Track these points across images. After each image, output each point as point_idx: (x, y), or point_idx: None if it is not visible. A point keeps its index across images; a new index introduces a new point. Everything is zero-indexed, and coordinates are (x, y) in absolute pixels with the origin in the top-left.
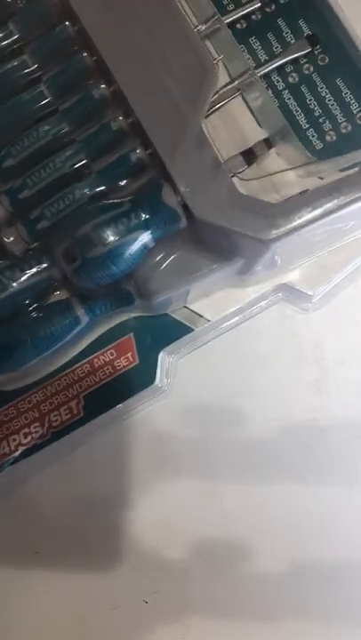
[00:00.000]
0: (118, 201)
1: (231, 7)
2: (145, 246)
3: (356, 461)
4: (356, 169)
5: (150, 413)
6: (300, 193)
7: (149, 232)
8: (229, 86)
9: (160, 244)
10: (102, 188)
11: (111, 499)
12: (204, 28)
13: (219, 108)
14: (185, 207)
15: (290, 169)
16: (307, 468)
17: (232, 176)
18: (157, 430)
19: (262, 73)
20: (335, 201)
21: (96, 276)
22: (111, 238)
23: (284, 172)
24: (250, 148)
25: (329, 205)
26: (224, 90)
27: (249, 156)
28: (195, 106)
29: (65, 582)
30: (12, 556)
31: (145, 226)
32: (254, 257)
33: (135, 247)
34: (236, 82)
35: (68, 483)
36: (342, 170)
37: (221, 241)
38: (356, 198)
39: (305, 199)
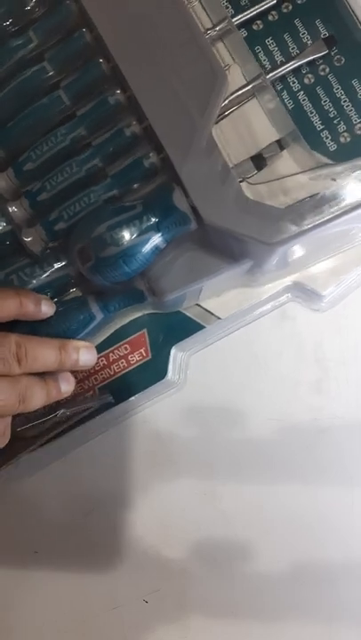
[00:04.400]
0: (131, 204)
1: (247, 4)
2: (156, 247)
3: (356, 461)
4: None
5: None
6: (309, 197)
7: (160, 233)
8: (241, 91)
9: (171, 244)
10: (116, 191)
11: (111, 499)
12: (216, 30)
13: (229, 113)
14: (195, 210)
15: (298, 173)
16: (307, 467)
17: (241, 181)
18: (159, 429)
19: (278, 75)
20: (339, 206)
21: (109, 274)
22: (124, 239)
23: (294, 175)
24: (259, 154)
25: (334, 210)
26: (236, 94)
27: (259, 160)
28: (205, 112)
29: (65, 582)
30: (12, 555)
31: (156, 228)
32: (261, 259)
33: (147, 248)
34: (248, 87)
35: (69, 483)
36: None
37: (230, 243)
38: (359, 204)
39: (311, 204)
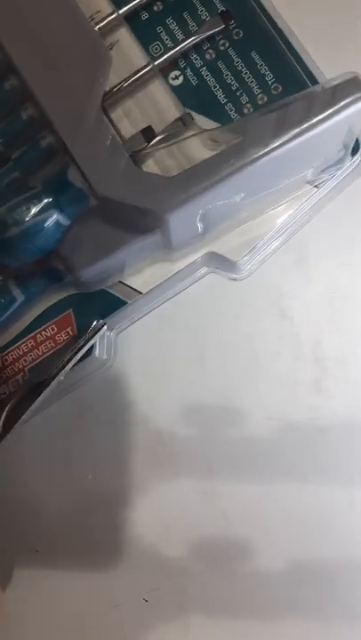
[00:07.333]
0: (33, 184)
1: None
2: (58, 224)
3: (356, 461)
4: (237, 140)
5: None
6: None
7: (60, 210)
8: (132, 79)
9: (80, 221)
10: (18, 173)
11: (111, 497)
12: (105, 22)
13: (123, 91)
14: (90, 185)
15: (191, 136)
16: (306, 467)
17: (131, 154)
18: (158, 429)
19: (179, 52)
20: (221, 172)
21: (16, 254)
22: (24, 218)
23: (200, 148)
24: (149, 126)
25: (215, 176)
26: (136, 76)
27: (148, 133)
28: (91, 91)
29: (65, 581)
30: (12, 555)
31: (55, 204)
32: (162, 229)
33: (48, 225)
34: (147, 68)
35: (68, 482)
36: None
37: (130, 216)
38: (238, 167)
39: (196, 171)
